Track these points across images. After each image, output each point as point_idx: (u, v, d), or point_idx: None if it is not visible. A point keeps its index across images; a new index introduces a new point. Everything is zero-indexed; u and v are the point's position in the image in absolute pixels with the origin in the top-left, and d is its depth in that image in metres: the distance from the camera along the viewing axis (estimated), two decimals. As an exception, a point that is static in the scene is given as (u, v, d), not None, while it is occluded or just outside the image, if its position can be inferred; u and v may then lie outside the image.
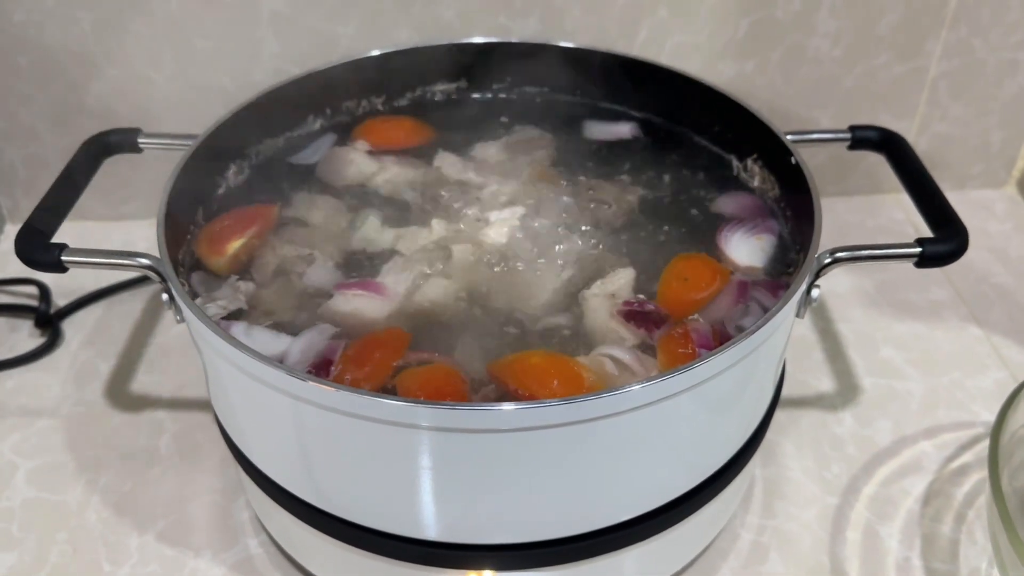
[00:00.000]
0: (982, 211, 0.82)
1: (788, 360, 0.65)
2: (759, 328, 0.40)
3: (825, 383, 0.64)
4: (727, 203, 0.54)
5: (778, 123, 0.53)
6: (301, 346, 0.44)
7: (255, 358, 0.38)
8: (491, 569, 0.43)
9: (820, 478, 0.58)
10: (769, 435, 0.60)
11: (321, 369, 0.43)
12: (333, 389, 0.37)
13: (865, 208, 0.81)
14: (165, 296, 0.45)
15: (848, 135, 0.55)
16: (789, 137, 0.53)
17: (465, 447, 0.38)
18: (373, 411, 0.37)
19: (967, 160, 0.82)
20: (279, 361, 0.42)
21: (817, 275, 0.45)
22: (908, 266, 0.74)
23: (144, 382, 0.64)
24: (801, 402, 0.63)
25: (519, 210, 0.52)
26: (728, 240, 0.51)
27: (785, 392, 0.63)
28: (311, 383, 0.37)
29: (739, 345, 0.39)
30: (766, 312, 0.42)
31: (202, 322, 0.40)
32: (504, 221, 0.51)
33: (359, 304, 0.46)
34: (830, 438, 0.60)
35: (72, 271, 0.68)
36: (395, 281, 0.48)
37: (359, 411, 0.37)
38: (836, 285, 0.72)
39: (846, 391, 0.64)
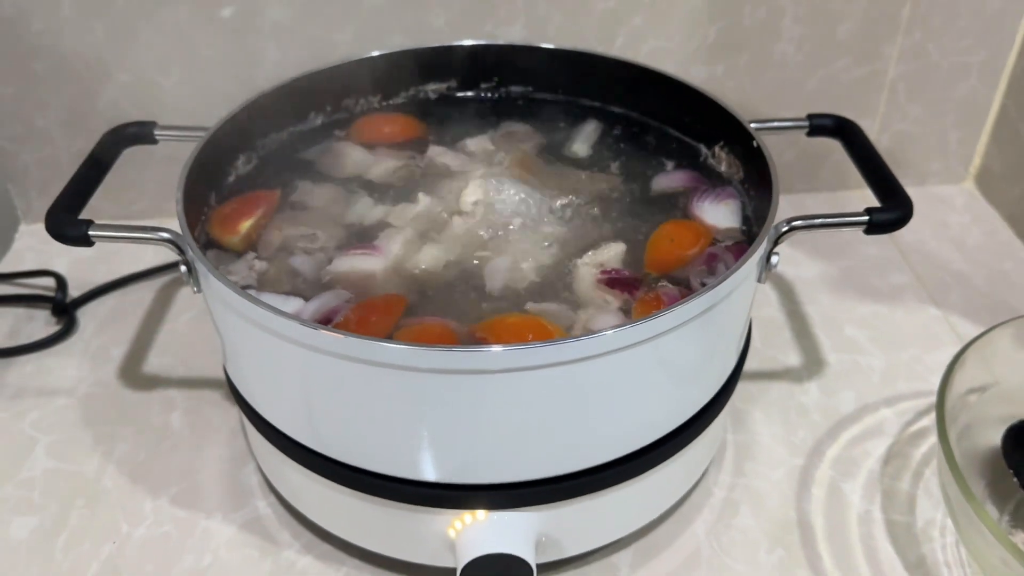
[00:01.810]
0: (942, 205, 0.87)
1: (759, 339, 0.70)
2: (719, 283, 0.44)
3: (792, 358, 0.69)
4: (678, 179, 0.60)
5: (744, 119, 0.59)
6: (316, 306, 0.48)
7: (272, 311, 0.43)
8: (484, 508, 0.47)
9: (787, 442, 0.62)
10: (740, 405, 0.65)
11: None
12: (343, 336, 0.41)
13: (832, 203, 0.87)
14: (184, 268, 0.49)
15: (806, 123, 0.60)
16: (753, 125, 0.57)
17: (458, 388, 0.42)
18: (378, 355, 0.41)
19: (927, 157, 0.88)
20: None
21: (776, 242, 0.50)
22: (872, 252, 0.80)
23: (156, 364, 0.69)
24: (770, 375, 0.67)
25: (491, 179, 0.58)
26: (701, 208, 0.56)
27: (755, 366, 0.68)
28: (323, 331, 0.42)
29: (701, 298, 0.44)
30: (732, 276, 0.47)
31: (222, 283, 0.45)
32: (480, 183, 0.56)
33: (356, 263, 0.51)
34: (797, 407, 0.65)
35: (87, 264, 0.74)
36: (388, 244, 0.53)
37: (365, 356, 0.42)
38: (803, 271, 0.77)
39: (812, 365, 0.68)
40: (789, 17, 0.77)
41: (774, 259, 0.51)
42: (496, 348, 0.41)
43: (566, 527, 0.50)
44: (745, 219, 0.56)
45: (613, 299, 0.50)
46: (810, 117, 0.60)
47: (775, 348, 0.70)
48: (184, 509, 0.58)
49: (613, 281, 0.51)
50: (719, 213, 0.55)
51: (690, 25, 0.77)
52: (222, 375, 0.63)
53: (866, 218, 0.51)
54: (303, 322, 0.43)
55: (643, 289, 0.51)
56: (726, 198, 0.56)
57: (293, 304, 0.49)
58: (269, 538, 0.56)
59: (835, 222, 0.51)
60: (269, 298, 0.49)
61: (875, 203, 0.53)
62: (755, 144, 0.55)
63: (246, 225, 0.55)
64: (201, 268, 0.47)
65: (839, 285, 0.76)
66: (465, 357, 0.41)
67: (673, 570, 0.54)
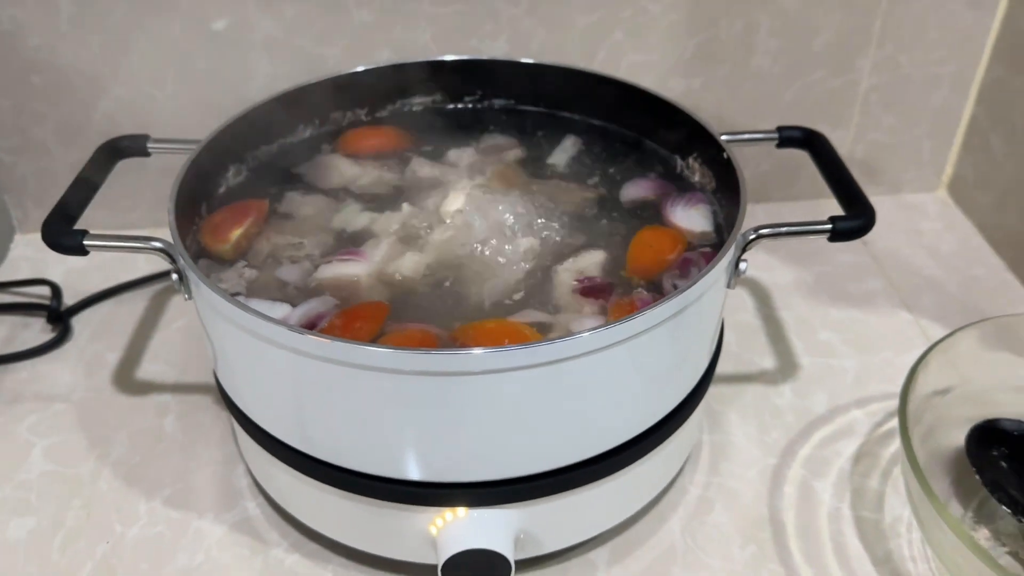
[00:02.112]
0: (916, 213, 0.90)
1: (735, 342, 0.72)
2: (688, 288, 0.46)
3: (767, 361, 0.71)
4: (651, 187, 0.62)
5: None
6: (302, 311, 0.50)
7: (260, 317, 0.45)
8: (464, 506, 0.49)
9: (761, 442, 0.64)
10: (716, 406, 0.67)
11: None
12: (329, 340, 0.44)
13: (808, 211, 0.88)
14: (175, 276, 0.51)
15: (776, 135, 0.62)
16: (724, 137, 0.60)
17: (440, 390, 0.44)
18: (362, 359, 0.43)
19: (901, 166, 0.90)
20: (278, 325, 0.48)
21: (744, 249, 0.52)
22: (846, 259, 0.82)
23: (149, 370, 0.71)
24: (745, 378, 0.70)
25: (472, 189, 0.60)
26: (674, 213, 0.58)
27: (730, 369, 0.70)
28: (310, 336, 0.44)
29: (671, 302, 0.46)
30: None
31: (212, 290, 0.47)
32: (461, 193, 0.59)
33: (340, 268, 0.54)
34: (771, 408, 0.67)
35: (82, 273, 0.76)
36: (371, 251, 0.55)
37: (350, 359, 0.44)
38: (779, 277, 0.80)
39: (786, 368, 0.71)
40: (764, 31, 0.80)
41: (743, 265, 0.53)
42: (477, 351, 0.43)
43: (544, 524, 0.52)
44: (718, 225, 0.58)
45: (591, 305, 0.52)
46: (779, 129, 0.62)
47: (751, 352, 0.72)
48: (177, 510, 0.60)
49: (587, 290, 0.53)
50: (691, 217, 0.58)
51: (669, 40, 0.79)
52: (213, 381, 0.65)
53: (829, 226, 0.53)
54: (290, 327, 0.45)
55: (617, 294, 0.53)
56: (697, 203, 0.59)
57: (280, 310, 0.51)
58: (258, 537, 0.58)
59: (800, 230, 0.53)
60: (257, 304, 0.51)
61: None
62: (725, 155, 0.57)
63: (236, 234, 0.57)
64: (192, 276, 0.49)
65: (814, 291, 0.79)
66: (447, 359, 0.43)
67: (649, 565, 0.56)
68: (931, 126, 0.88)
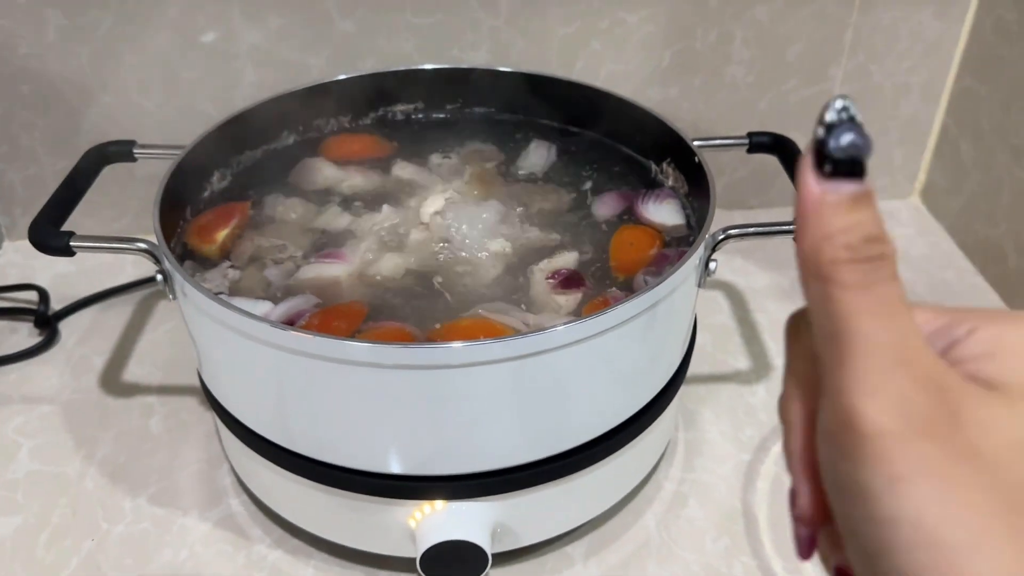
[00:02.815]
0: (889, 219, 0.90)
1: (710, 344, 0.74)
2: (657, 285, 0.48)
3: (742, 362, 0.73)
4: (623, 198, 0.64)
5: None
6: (284, 309, 0.52)
7: (242, 314, 0.46)
8: (442, 499, 0.51)
9: (735, 439, 0.66)
10: (690, 405, 0.68)
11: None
12: (311, 335, 0.45)
13: (784, 217, 0.90)
14: (160, 277, 0.53)
15: (746, 140, 0.64)
16: (696, 143, 0.61)
17: (419, 383, 0.46)
18: (344, 353, 0.45)
19: (874, 173, 0.91)
20: (260, 322, 0.50)
21: (714, 248, 0.54)
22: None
23: (135, 372, 0.72)
24: (720, 377, 0.71)
25: (451, 191, 0.62)
26: (647, 210, 0.61)
27: (706, 369, 0.72)
28: (292, 331, 0.45)
29: (640, 298, 0.47)
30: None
31: (196, 288, 0.48)
32: (440, 195, 0.60)
33: (321, 269, 0.55)
34: (744, 407, 0.69)
35: (69, 278, 0.77)
36: (351, 252, 0.57)
37: (332, 354, 0.45)
38: (755, 281, 0.81)
39: (760, 368, 0.72)
40: (739, 42, 0.82)
41: (712, 265, 0.54)
42: (455, 344, 0.45)
43: (521, 517, 0.53)
44: (689, 220, 0.60)
45: (566, 302, 0.54)
46: (750, 135, 0.64)
47: (726, 353, 0.74)
48: (162, 507, 0.61)
49: (563, 282, 0.55)
50: (663, 212, 0.60)
51: (646, 49, 0.81)
52: (197, 383, 0.66)
53: (794, 227, 0.55)
54: (272, 323, 0.46)
55: (590, 288, 0.54)
56: (666, 198, 0.61)
57: (262, 307, 0.52)
58: (242, 534, 0.59)
59: (767, 230, 0.55)
60: (240, 302, 0.52)
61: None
62: (696, 159, 0.59)
63: (222, 235, 0.58)
64: (176, 276, 0.50)
65: (788, 294, 0.80)
66: (425, 353, 0.45)
67: (625, 558, 0.58)
68: (902, 134, 0.90)
